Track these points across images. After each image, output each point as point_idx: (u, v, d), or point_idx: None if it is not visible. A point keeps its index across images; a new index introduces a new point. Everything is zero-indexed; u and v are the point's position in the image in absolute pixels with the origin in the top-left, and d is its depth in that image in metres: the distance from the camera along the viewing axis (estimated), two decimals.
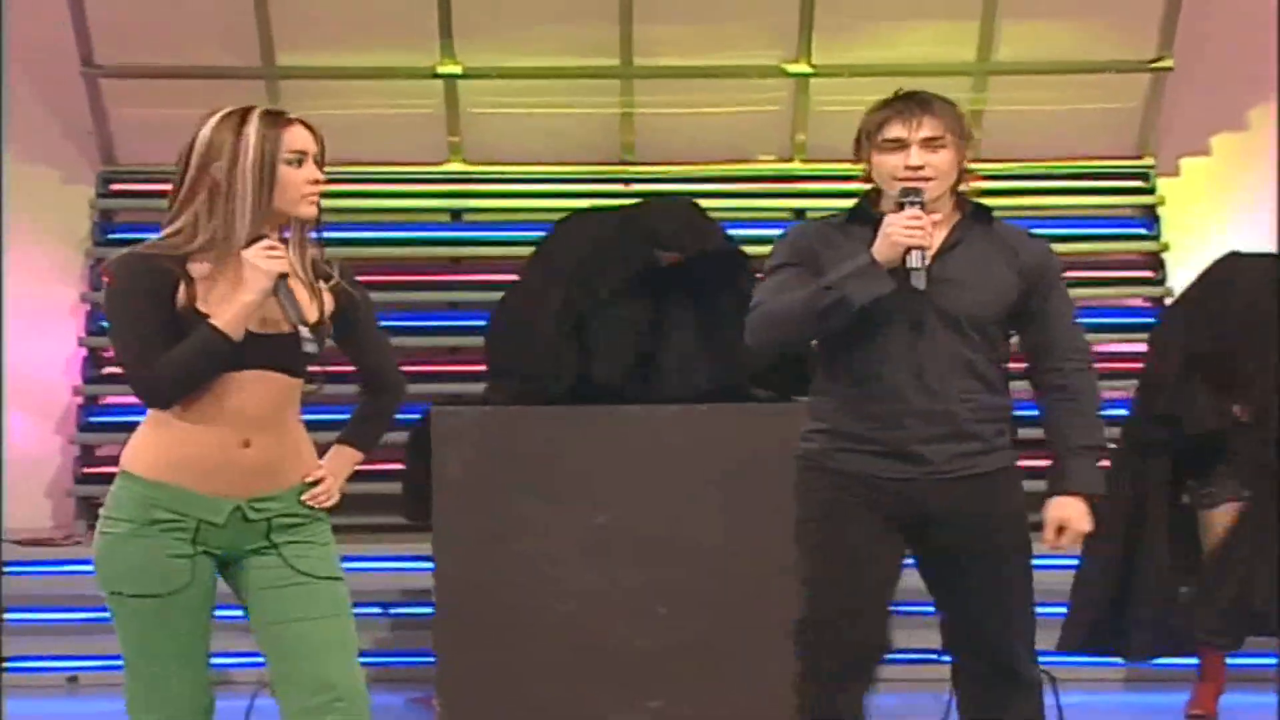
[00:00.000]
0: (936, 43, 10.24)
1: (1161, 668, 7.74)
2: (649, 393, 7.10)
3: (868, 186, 5.05)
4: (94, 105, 10.31)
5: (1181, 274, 9.16)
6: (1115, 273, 10.20)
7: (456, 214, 10.57)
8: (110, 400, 9.84)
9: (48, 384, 9.84)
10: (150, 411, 4.29)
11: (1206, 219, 10.11)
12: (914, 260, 4.72)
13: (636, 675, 6.83)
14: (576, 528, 6.85)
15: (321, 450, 4.51)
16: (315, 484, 4.41)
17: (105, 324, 4.42)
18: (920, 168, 4.83)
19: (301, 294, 4.33)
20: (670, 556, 6.84)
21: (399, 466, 7.65)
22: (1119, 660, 7.61)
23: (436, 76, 10.39)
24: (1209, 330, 7.17)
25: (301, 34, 10.23)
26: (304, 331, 4.28)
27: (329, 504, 4.44)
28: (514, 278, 7.66)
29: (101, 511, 4.30)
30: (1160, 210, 10.38)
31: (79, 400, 9.87)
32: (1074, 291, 10.46)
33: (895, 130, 4.86)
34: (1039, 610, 5.07)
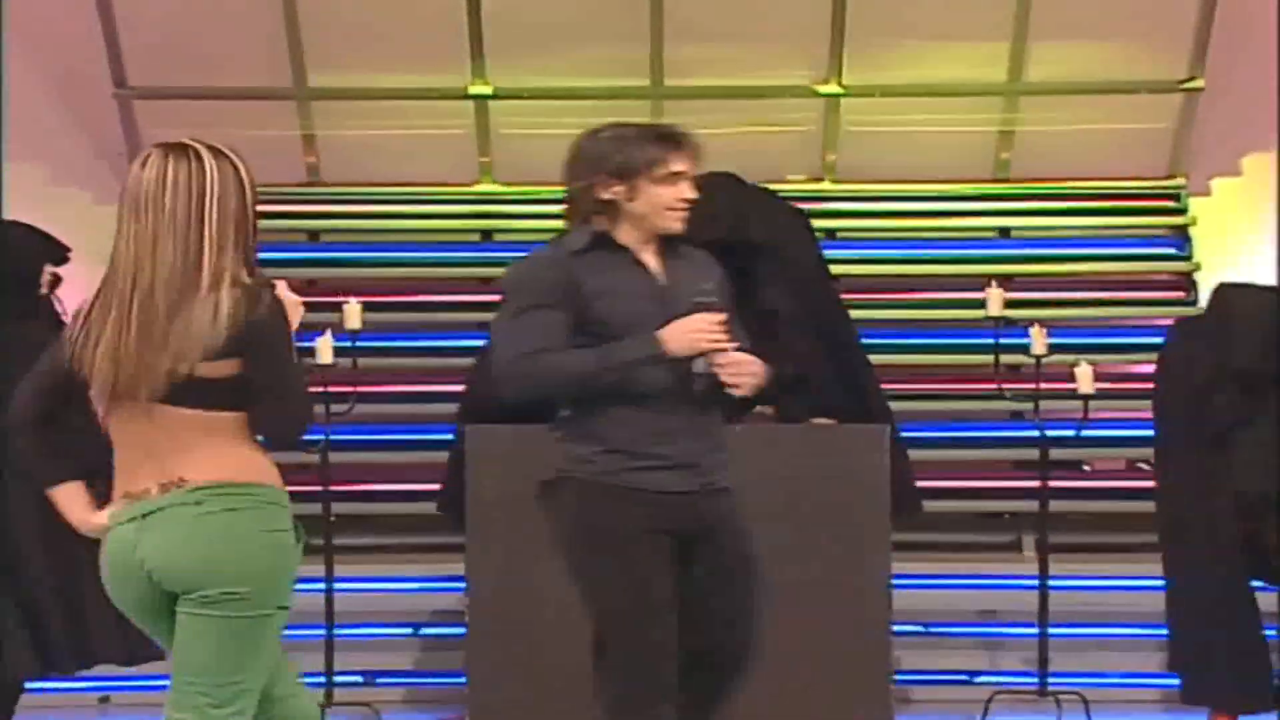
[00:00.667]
0: (967, 63, 10.24)
1: None
2: None
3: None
4: (126, 127, 10.35)
5: None
6: (1147, 293, 10.18)
7: (487, 234, 10.60)
8: None
9: None
10: None
11: (1238, 239, 10.09)
12: (699, 365, 4.88)
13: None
14: None
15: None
16: None
17: None
18: (691, 202, 5.01)
19: None
20: None
21: (428, 487, 7.66)
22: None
23: (467, 97, 10.42)
24: None
25: (333, 55, 10.27)
26: None
27: None
28: None
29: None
30: (1192, 230, 10.36)
31: None
32: (1105, 311, 10.51)
33: (679, 164, 4.98)
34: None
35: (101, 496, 4.21)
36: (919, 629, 8.09)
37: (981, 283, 8.59)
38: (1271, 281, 7.66)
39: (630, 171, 5.02)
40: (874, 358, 7.69)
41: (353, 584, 8.04)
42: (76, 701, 8.29)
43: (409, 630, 8.42)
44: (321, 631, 7.49)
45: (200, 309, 4.03)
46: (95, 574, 4.22)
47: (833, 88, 10.34)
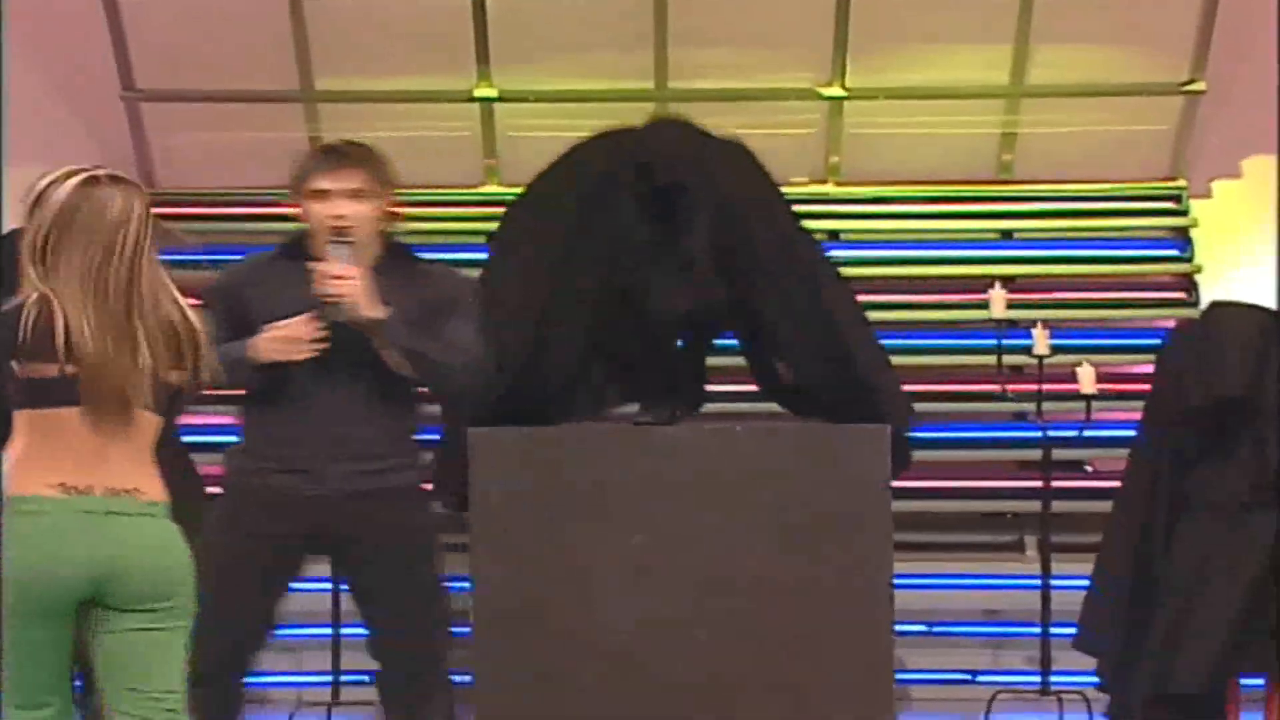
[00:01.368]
0: (970, 65, 10.26)
1: None
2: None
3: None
4: (134, 129, 10.38)
5: (1214, 296, 9.17)
6: (1147, 294, 10.20)
7: (492, 236, 10.61)
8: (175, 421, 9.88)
9: None
10: None
11: (1239, 241, 10.12)
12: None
13: (679, 704, 6.77)
14: (617, 552, 6.77)
15: None
16: None
17: None
18: (342, 217, 5.13)
19: None
20: (715, 583, 6.73)
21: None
22: None
23: (473, 100, 10.45)
24: None
25: (339, 58, 10.30)
26: None
27: None
28: None
29: None
30: (1193, 232, 10.39)
31: None
32: (1106, 314, 10.55)
33: (323, 182, 5.04)
34: None
35: None
36: (922, 629, 8.13)
37: (984, 284, 8.64)
38: (1272, 282, 7.66)
39: (294, 189, 5.19)
40: None
41: None
42: None
43: None
44: (328, 631, 7.52)
45: None
46: None
47: (836, 90, 10.36)
